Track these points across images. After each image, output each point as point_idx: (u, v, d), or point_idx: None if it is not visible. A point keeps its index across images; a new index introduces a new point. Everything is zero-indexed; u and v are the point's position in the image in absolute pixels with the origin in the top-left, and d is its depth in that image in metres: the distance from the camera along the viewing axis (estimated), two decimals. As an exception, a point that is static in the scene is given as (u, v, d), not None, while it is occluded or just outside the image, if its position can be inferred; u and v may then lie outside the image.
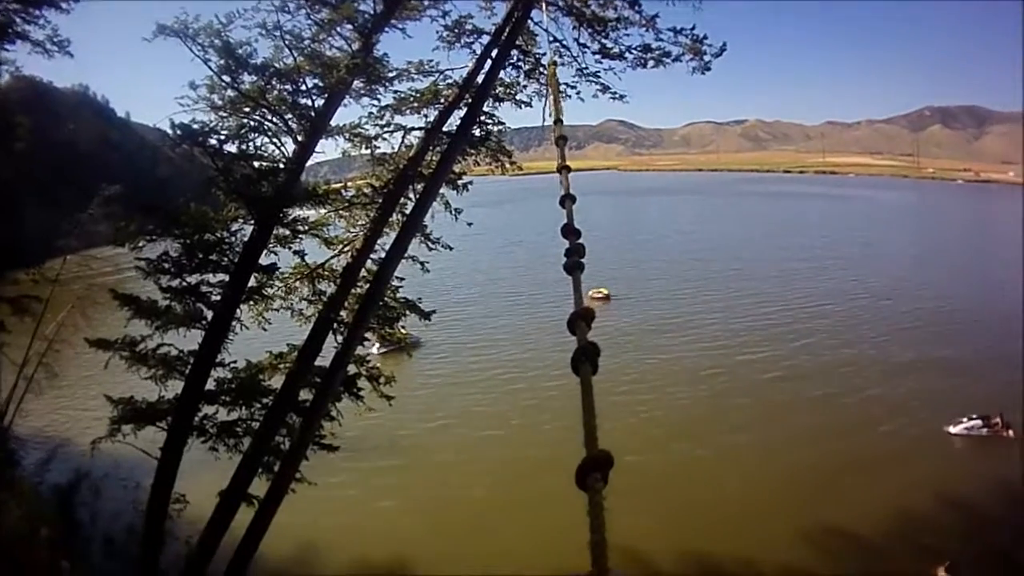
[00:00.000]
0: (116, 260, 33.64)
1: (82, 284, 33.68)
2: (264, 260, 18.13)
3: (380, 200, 19.38)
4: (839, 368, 51.19)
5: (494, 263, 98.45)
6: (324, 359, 18.33)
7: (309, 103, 18.17)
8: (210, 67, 16.85)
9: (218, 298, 17.57)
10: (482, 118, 20.42)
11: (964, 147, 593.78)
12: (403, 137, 20.23)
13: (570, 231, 3.95)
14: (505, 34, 18.94)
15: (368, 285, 19.00)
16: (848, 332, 60.87)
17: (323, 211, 19.90)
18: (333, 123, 19.13)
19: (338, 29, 18.07)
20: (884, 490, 33.19)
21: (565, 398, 36.88)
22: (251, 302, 18.60)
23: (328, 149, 20.27)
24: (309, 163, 19.19)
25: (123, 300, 16.91)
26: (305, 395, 18.38)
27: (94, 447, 17.59)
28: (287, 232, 18.43)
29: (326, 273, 19.73)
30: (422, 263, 20.84)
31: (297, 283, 19.75)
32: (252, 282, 18.18)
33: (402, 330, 22.98)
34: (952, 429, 39.91)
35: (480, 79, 19.24)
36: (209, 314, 17.47)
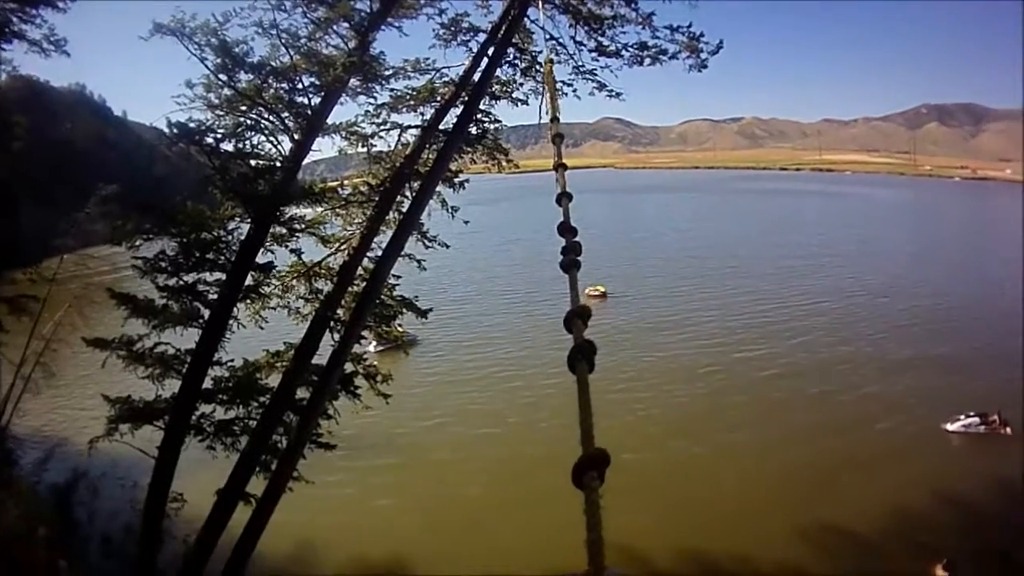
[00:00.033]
0: (113, 259, 33.54)
1: (79, 283, 33.71)
2: (261, 258, 18.15)
3: (376, 198, 19.39)
4: (836, 366, 51.24)
5: (491, 261, 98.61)
6: (321, 357, 18.33)
7: (305, 101, 18.17)
8: (207, 66, 16.87)
9: (215, 297, 17.58)
10: (478, 116, 20.39)
11: (961, 145, 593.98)
12: (399, 135, 20.22)
13: (566, 229, 3.95)
14: (501, 32, 18.91)
15: (365, 283, 18.99)
16: (845, 329, 60.93)
17: (320, 209, 19.95)
18: (329, 121, 19.16)
19: (334, 27, 18.06)
20: (881, 488, 33.22)
21: (562, 396, 36.90)
22: (248, 301, 18.59)
23: (325, 147, 20.43)
24: (306, 161, 19.19)
25: (120, 299, 16.94)
26: (302, 393, 18.40)
27: (91, 446, 17.63)
28: (284, 230, 18.46)
29: (323, 271, 19.76)
30: (419, 261, 20.86)
31: (294, 281, 19.77)
32: (249, 280, 18.18)
33: (399, 328, 22.99)
34: (949, 427, 39.95)
35: (476, 77, 19.23)
36: (206, 313, 17.48)
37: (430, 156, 19.72)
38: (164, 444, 16.89)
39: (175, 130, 16.75)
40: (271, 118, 17.88)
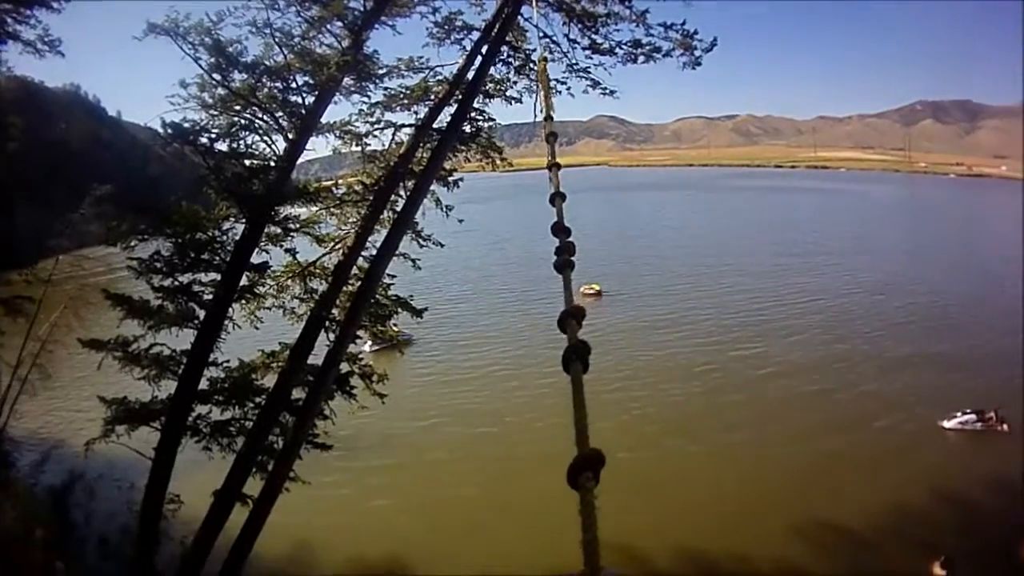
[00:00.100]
0: (108, 260, 33.48)
1: (74, 284, 33.59)
2: (256, 258, 18.13)
3: (371, 197, 19.38)
4: (833, 364, 51.35)
5: (486, 260, 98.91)
6: (316, 357, 18.32)
7: (299, 100, 18.18)
8: (200, 65, 16.84)
9: (210, 297, 17.56)
10: (472, 114, 20.41)
11: (956, 141, 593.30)
12: (393, 134, 20.23)
13: (560, 229, 3.93)
14: (495, 30, 18.92)
15: (360, 283, 18.97)
16: (842, 327, 60.99)
17: (314, 209, 19.95)
18: (324, 120, 19.14)
19: (328, 26, 18.07)
20: (879, 485, 33.31)
21: (558, 395, 36.65)
22: (243, 301, 18.57)
23: (319, 147, 20.34)
24: (300, 161, 19.16)
25: (116, 300, 16.90)
26: (298, 394, 18.37)
27: (88, 448, 17.63)
28: (278, 230, 18.42)
29: (318, 271, 19.73)
30: (413, 260, 20.81)
31: (289, 281, 19.74)
32: (244, 281, 18.19)
33: (394, 328, 22.94)
34: (946, 424, 40.05)
35: (470, 75, 19.23)
36: (201, 313, 17.47)
37: (424, 155, 19.73)
38: (160, 445, 16.87)
39: (169, 130, 16.71)
40: (265, 117, 17.87)
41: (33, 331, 28.29)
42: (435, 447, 39.39)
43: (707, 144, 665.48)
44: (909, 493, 32.49)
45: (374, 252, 18.96)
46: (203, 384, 17.63)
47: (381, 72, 19.59)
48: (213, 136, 17.62)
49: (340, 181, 23.17)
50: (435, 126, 19.55)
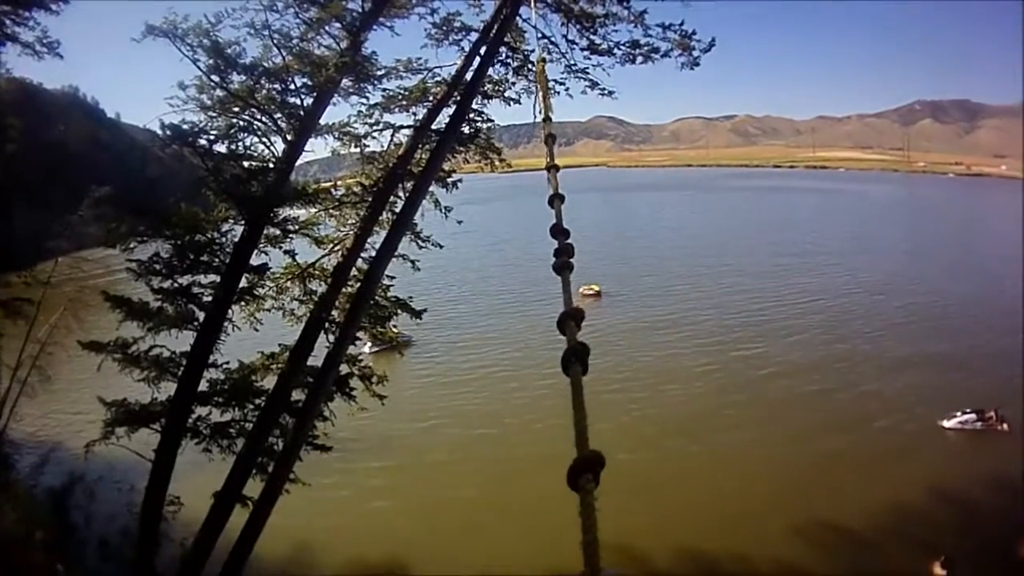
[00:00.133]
0: (107, 262, 33.45)
1: (74, 286, 33.56)
2: (255, 260, 18.13)
3: (370, 199, 19.39)
4: (833, 364, 51.30)
5: (485, 261, 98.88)
6: (316, 359, 18.32)
7: (298, 102, 18.17)
8: (199, 67, 16.85)
9: (209, 299, 17.56)
10: (471, 115, 20.43)
11: (955, 141, 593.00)
12: (392, 135, 20.28)
13: (559, 231, 3.93)
14: (493, 31, 18.95)
15: (359, 284, 18.99)
16: (842, 327, 60.92)
17: (313, 210, 19.96)
18: (322, 122, 19.17)
19: (326, 28, 18.07)
20: (880, 485, 33.27)
21: (557, 396, 36.68)
22: (242, 302, 18.57)
23: (317, 148, 20.28)
24: (299, 162, 19.20)
25: (115, 302, 16.91)
26: (298, 395, 18.37)
27: (88, 450, 17.59)
28: (277, 232, 18.41)
29: (317, 273, 19.73)
30: (412, 261, 20.82)
31: (288, 283, 19.74)
32: (243, 282, 18.19)
33: (393, 329, 22.92)
34: (946, 423, 40.00)
35: (469, 76, 19.26)
36: (201, 315, 17.47)
37: (423, 156, 19.75)
38: (160, 447, 16.87)
39: (168, 132, 16.72)
40: (264, 119, 17.86)
41: (32, 333, 28.28)
42: (435, 448, 39.35)
43: (706, 144, 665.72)
44: (909, 493, 32.47)
45: (373, 253, 18.98)
46: (203, 386, 17.63)
47: (380, 73, 19.60)
48: (212, 138, 17.61)
49: (339, 182, 23.12)
50: (434, 127, 19.57)
